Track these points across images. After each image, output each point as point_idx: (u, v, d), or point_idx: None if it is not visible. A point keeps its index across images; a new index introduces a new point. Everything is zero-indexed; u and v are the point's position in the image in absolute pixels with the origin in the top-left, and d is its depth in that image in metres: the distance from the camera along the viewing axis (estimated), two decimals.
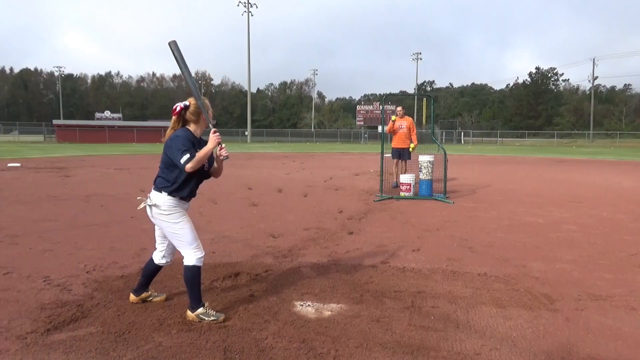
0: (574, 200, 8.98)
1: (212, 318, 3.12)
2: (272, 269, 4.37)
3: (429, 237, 5.81)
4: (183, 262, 3.15)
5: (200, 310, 3.14)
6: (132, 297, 3.47)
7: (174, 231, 3.13)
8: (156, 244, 3.38)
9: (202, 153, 2.97)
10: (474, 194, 9.92)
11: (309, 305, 3.47)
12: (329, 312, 3.34)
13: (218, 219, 6.85)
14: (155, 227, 3.30)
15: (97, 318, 3.19)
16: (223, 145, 3.05)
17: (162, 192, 3.10)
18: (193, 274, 3.13)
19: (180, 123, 3.17)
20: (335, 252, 5.03)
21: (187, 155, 2.94)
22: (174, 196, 3.10)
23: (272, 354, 2.71)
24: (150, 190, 3.19)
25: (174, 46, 3.10)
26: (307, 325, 3.11)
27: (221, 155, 3.11)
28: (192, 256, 3.12)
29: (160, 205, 3.10)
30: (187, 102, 3.14)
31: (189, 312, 3.17)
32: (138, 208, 3.21)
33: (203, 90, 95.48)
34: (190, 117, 3.14)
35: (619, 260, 4.80)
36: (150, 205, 3.14)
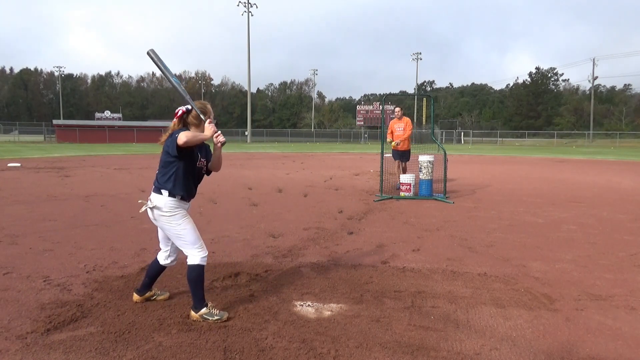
0: (574, 200, 8.98)
1: (215, 317, 3.12)
2: (272, 269, 4.37)
3: (429, 237, 5.81)
4: (187, 262, 3.15)
5: (204, 310, 3.14)
6: (136, 296, 3.47)
7: (176, 232, 3.12)
8: (160, 245, 3.38)
9: (199, 135, 2.98)
10: (474, 194, 9.91)
11: (309, 305, 3.47)
12: (329, 312, 3.34)
13: (218, 219, 6.84)
14: (158, 228, 3.30)
15: (97, 318, 3.19)
16: (218, 132, 3.02)
17: (162, 192, 3.08)
18: (197, 274, 3.13)
19: (180, 126, 3.17)
20: (335, 252, 5.03)
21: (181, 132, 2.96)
22: (173, 196, 3.09)
23: (272, 354, 2.71)
24: (150, 193, 3.18)
25: (153, 54, 3.14)
26: (307, 325, 3.11)
27: (218, 143, 3.06)
28: (196, 256, 3.13)
29: (162, 207, 3.08)
30: (189, 106, 3.14)
31: (192, 312, 3.16)
32: (140, 211, 3.21)
33: (203, 90, 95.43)
34: (192, 120, 3.16)
35: (619, 260, 4.80)
36: (151, 208, 3.12)
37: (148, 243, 5.31)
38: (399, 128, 10.10)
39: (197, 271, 3.13)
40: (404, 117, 10.25)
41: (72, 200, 8.55)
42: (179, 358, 2.65)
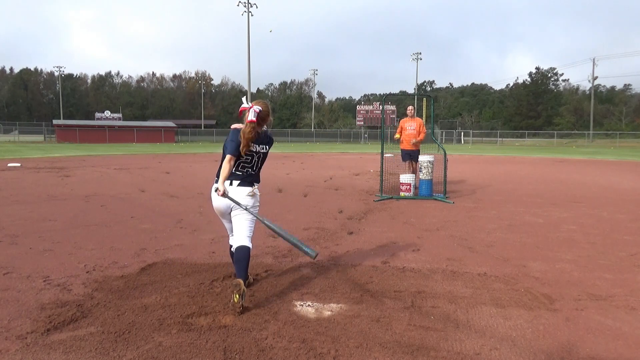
0: (574, 200, 8.98)
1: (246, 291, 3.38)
2: (272, 269, 4.37)
3: (429, 237, 5.81)
4: (240, 244, 3.56)
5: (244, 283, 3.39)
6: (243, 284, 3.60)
7: (253, 217, 3.64)
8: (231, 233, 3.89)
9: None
10: (474, 194, 9.91)
11: (309, 305, 3.48)
12: (329, 312, 3.34)
13: (218, 218, 6.82)
14: (226, 219, 3.82)
15: (97, 318, 3.19)
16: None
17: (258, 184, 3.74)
18: (250, 254, 3.59)
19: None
20: (335, 252, 5.03)
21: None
22: None
23: (272, 354, 2.71)
24: (252, 185, 3.67)
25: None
26: (307, 325, 3.11)
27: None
28: (251, 240, 3.65)
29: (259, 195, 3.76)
30: (260, 107, 3.78)
31: (241, 281, 3.31)
32: (254, 194, 3.69)
33: (203, 90, 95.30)
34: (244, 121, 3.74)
35: (619, 260, 4.80)
36: (251, 195, 3.64)
37: (148, 243, 5.32)
38: (411, 127, 9.85)
39: (249, 252, 3.60)
40: (416, 117, 10.05)
41: (72, 200, 8.55)
42: (179, 358, 2.65)
